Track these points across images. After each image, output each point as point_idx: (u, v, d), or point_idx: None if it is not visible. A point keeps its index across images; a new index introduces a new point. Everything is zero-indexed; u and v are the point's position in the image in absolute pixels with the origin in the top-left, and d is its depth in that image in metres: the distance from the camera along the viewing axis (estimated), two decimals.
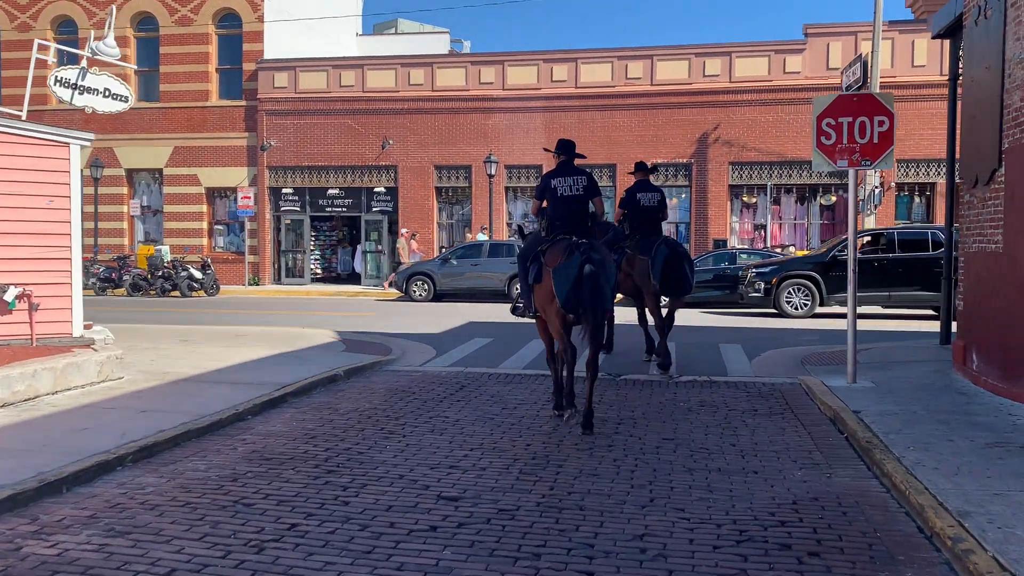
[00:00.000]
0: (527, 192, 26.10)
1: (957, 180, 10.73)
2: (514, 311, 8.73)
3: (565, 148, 8.00)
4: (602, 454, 6.41)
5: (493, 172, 24.62)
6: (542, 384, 9.45)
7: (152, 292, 24.29)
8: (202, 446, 6.50)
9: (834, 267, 16.94)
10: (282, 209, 27.83)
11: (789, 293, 17.48)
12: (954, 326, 10.31)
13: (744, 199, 25.22)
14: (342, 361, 10.46)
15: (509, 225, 26.34)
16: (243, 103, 27.60)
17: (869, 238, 17.99)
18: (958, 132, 10.21)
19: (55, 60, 10.28)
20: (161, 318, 17.36)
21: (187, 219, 28.03)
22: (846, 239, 14.24)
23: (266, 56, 27.38)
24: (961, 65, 10.34)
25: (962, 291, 9.61)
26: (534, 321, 8.22)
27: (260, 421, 7.40)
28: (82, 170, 27.41)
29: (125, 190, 28.40)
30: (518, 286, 12.90)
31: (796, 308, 17.42)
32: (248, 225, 27.35)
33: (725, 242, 23.89)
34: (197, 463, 6.02)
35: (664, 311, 10.63)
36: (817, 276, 17.27)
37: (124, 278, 24.51)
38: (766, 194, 24.73)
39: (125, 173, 28.34)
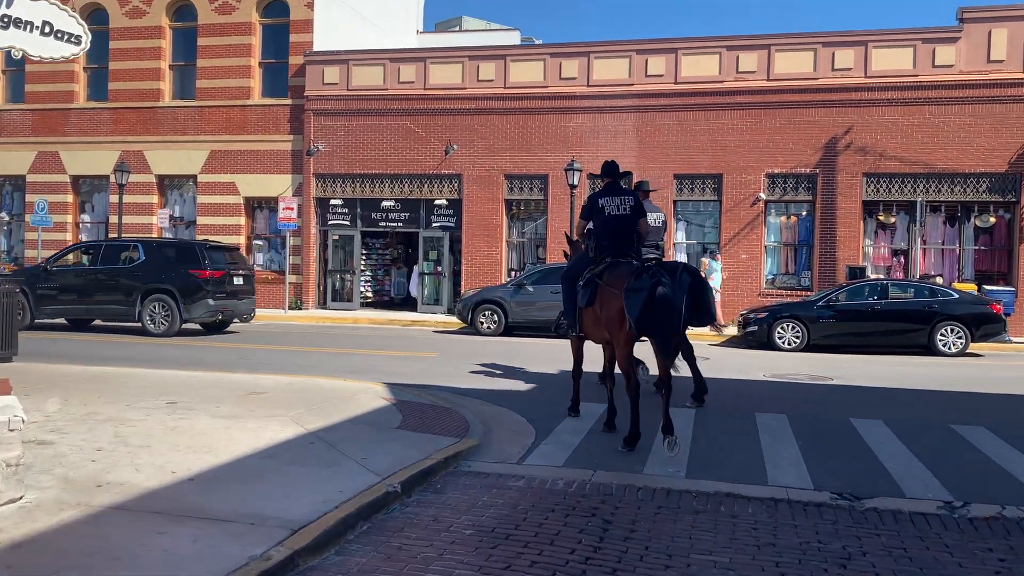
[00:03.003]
0: None
1: None
2: (556, 329, 9.25)
3: (610, 171, 8.02)
4: None
5: (575, 182, 20.75)
6: (750, 520, 5.45)
7: None
8: None
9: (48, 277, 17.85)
10: (330, 223, 24.32)
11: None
12: None
13: (880, 218, 20.85)
14: (396, 456, 6.58)
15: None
16: (288, 101, 24.24)
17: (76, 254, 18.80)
18: None
19: None
20: (166, 356, 13.76)
21: (223, 232, 24.66)
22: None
23: (315, 48, 24.00)
24: None
25: None
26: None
27: None
28: (107, 175, 24.49)
29: (155, 198, 25.20)
30: None
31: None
32: (291, 240, 23.91)
33: (862, 270, 19.56)
34: None
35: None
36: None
37: None
38: (911, 213, 20.31)
39: (156, 180, 25.15)
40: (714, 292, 19.63)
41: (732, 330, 19.20)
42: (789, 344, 16.71)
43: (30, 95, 25.93)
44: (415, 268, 24.68)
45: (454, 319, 21.16)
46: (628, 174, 9.46)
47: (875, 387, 11.65)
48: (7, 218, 26.75)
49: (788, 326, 16.80)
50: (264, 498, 5.30)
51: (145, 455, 6.26)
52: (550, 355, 14.18)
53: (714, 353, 15.84)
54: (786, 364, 13.99)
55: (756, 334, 17.06)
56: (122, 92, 25.15)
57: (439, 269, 23.93)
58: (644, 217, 7.92)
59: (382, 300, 26.03)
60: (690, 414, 9.15)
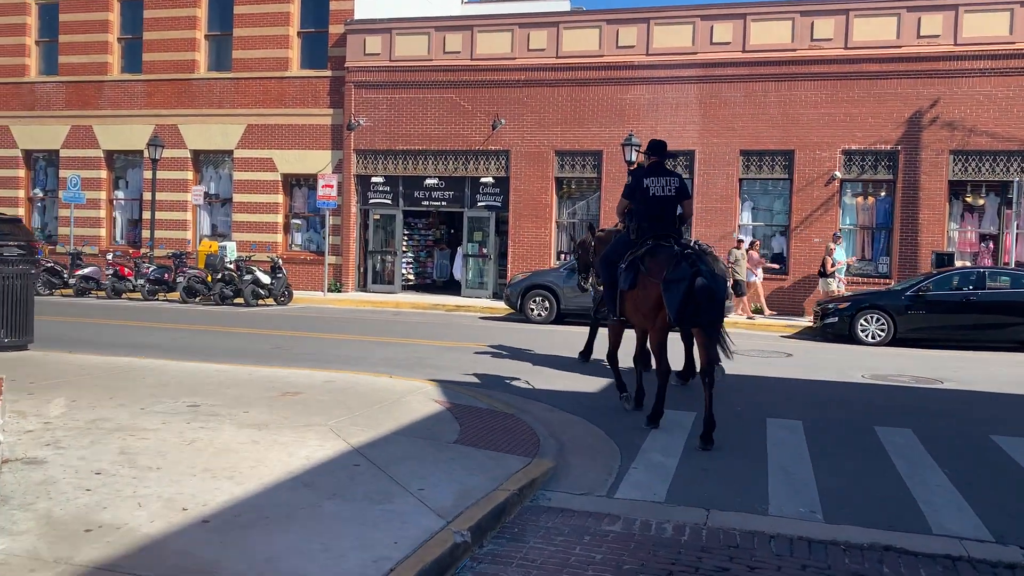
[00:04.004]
0: None
1: None
2: (595, 315, 9.67)
3: (657, 149, 7.84)
4: None
5: (633, 158, 19.25)
6: None
7: (211, 298, 19.89)
8: None
9: None
10: (371, 202, 23.12)
11: None
12: None
13: (968, 200, 19.07)
14: (459, 485, 5.32)
15: None
16: (328, 73, 23.01)
17: None
18: None
19: None
20: (197, 344, 12.67)
21: (260, 211, 23.65)
22: None
23: (357, 16, 22.73)
24: None
25: None
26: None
27: None
28: (141, 150, 23.56)
29: (190, 175, 24.19)
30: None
31: None
32: (330, 220, 22.76)
33: (951, 256, 17.84)
34: None
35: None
36: None
37: (178, 280, 20.20)
38: (1002, 194, 18.49)
39: (191, 155, 24.12)
40: (838, 282, 17.86)
41: (797, 320, 17.69)
42: (873, 337, 15.17)
43: (63, 67, 25.06)
44: (459, 250, 23.41)
45: (500, 304, 19.91)
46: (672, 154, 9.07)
47: (996, 393, 10.12)
48: (41, 194, 26.01)
49: (872, 318, 15.26)
50: (297, 553, 4.06)
51: (153, 481, 5.07)
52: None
53: (793, 347, 14.38)
54: (881, 362, 12.47)
55: (836, 326, 15.54)
56: (156, 63, 24.14)
57: (484, 251, 22.63)
58: (688, 199, 7.76)
59: (424, 283, 24.86)
60: (797, 426, 7.77)
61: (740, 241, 18.74)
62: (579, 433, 7.37)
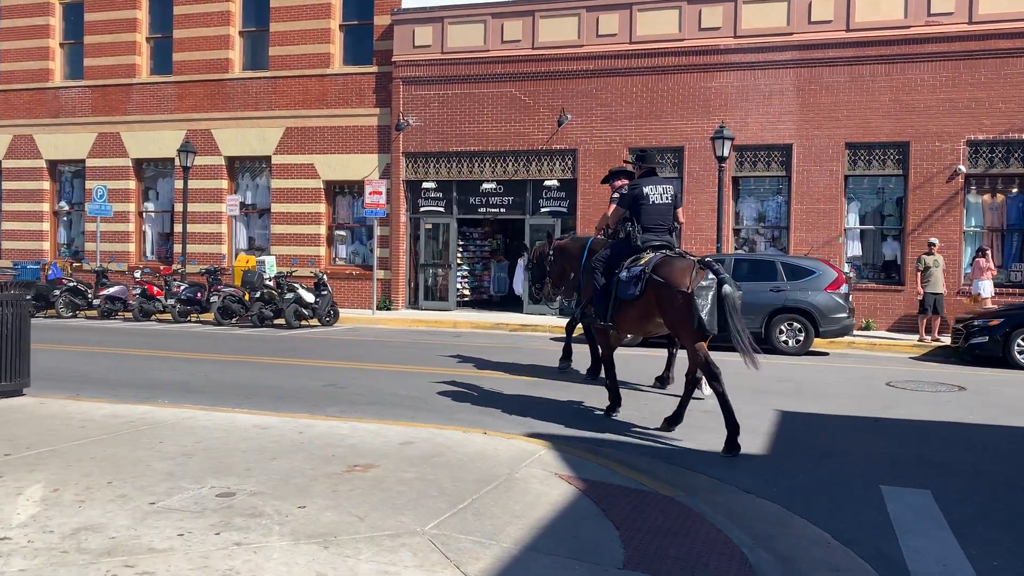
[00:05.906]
0: (766, 185, 18.15)
1: None
2: (582, 318, 9.11)
3: (648, 159, 8.00)
4: None
5: (724, 153, 16.85)
6: None
7: (248, 320, 17.82)
8: None
9: None
10: (421, 210, 20.97)
11: None
12: None
13: None
14: None
15: (737, 232, 18.44)
16: (373, 69, 20.94)
17: None
18: None
19: None
20: (230, 379, 10.48)
21: (301, 221, 21.61)
22: None
23: (404, 5, 20.63)
24: None
25: None
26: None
27: None
28: (172, 158, 21.62)
29: (224, 183, 22.24)
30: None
31: None
32: (378, 230, 20.63)
33: None
34: None
35: None
36: None
37: (212, 299, 18.15)
38: None
39: (225, 162, 22.17)
40: None
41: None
42: None
43: (89, 70, 23.32)
44: (520, 261, 21.11)
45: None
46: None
47: None
48: (66, 208, 24.24)
49: None
50: None
51: None
52: (746, 383, 10.39)
53: (950, 375, 11.83)
54: None
55: (986, 346, 13.05)
56: (188, 64, 22.28)
57: None
58: (680, 207, 8.01)
59: (480, 299, 22.60)
60: None
61: (931, 245, 15.73)
62: (791, 533, 4.99)
